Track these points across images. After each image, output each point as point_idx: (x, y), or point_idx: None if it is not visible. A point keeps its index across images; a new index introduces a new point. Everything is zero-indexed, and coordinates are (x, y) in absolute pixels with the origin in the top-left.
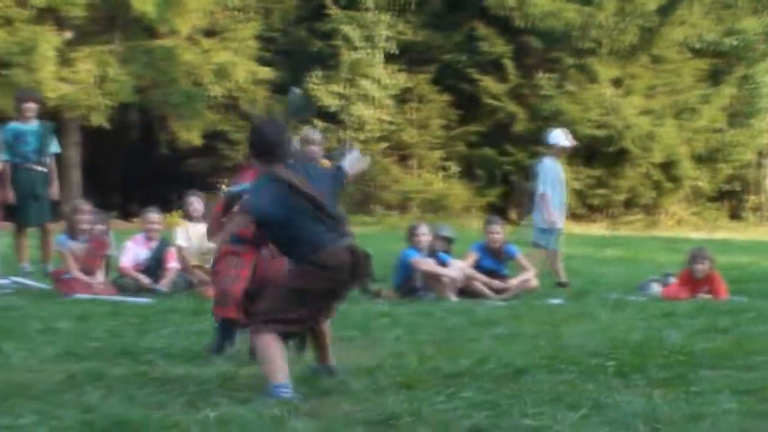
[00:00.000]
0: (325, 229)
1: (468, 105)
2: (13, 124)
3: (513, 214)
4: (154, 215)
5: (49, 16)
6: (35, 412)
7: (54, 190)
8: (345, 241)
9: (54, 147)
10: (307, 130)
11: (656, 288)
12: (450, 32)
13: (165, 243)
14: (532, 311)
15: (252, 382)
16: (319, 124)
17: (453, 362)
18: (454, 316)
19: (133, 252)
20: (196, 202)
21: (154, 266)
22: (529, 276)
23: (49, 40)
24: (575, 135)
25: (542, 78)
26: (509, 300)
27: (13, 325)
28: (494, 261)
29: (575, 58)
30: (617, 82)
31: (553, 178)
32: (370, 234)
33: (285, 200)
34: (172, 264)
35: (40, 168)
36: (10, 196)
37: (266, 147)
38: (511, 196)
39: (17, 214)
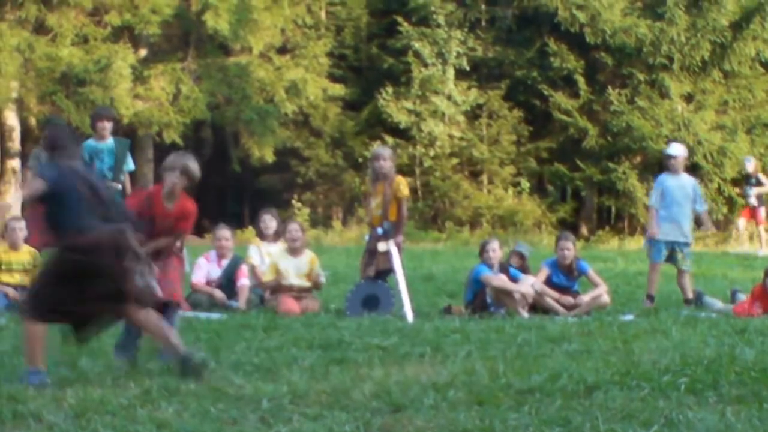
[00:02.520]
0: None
1: (539, 121)
2: (90, 142)
3: (584, 230)
4: (224, 232)
5: (124, 34)
6: (111, 427)
7: None
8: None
9: (129, 164)
10: (377, 147)
11: (719, 303)
12: (521, 48)
13: (236, 260)
14: (604, 327)
15: (324, 398)
16: (390, 140)
17: (524, 378)
18: (526, 332)
19: (205, 269)
20: (269, 221)
21: (226, 284)
22: (601, 292)
23: (125, 58)
24: (646, 151)
25: (614, 94)
26: (580, 316)
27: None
28: (566, 277)
29: (647, 74)
30: (689, 98)
31: None
32: (440, 250)
33: (67, 180)
34: (243, 281)
35: (115, 185)
36: None
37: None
38: (582, 211)
39: None
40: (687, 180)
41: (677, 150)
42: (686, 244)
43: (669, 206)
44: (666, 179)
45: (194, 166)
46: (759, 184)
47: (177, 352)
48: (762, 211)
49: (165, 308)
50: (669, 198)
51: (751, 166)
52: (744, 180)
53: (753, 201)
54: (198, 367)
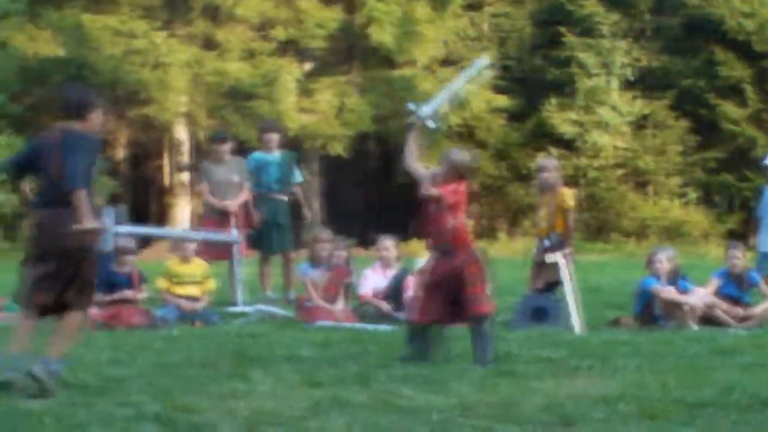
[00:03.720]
0: (45, 191)
1: (706, 130)
2: (257, 154)
3: (754, 241)
4: (387, 241)
5: (290, 48)
6: None
7: (306, 215)
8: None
9: (297, 176)
10: (542, 159)
11: None
12: (688, 57)
13: (404, 271)
14: None
15: (493, 411)
16: (554, 151)
17: (696, 392)
18: (696, 344)
19: (371, 280)
20: None
21: (394, 294)
22: None
23: (291, 72)
24: None
25: None
26: (752, 328)
27: (259, 353)
28: (736, 288)
29: None
30: None
31: None
32: (606, 261)
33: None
34: (412, 292)
35: (282, 197)
36: (256, 220)
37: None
38: (751, 222)
39: (261, 243)
40: None
41: None
42: None
43: (764, 216)
44: (765, 189)
45: (458, 155)
46: None
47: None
48: None
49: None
50: (764, 208)
51: None
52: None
53: None
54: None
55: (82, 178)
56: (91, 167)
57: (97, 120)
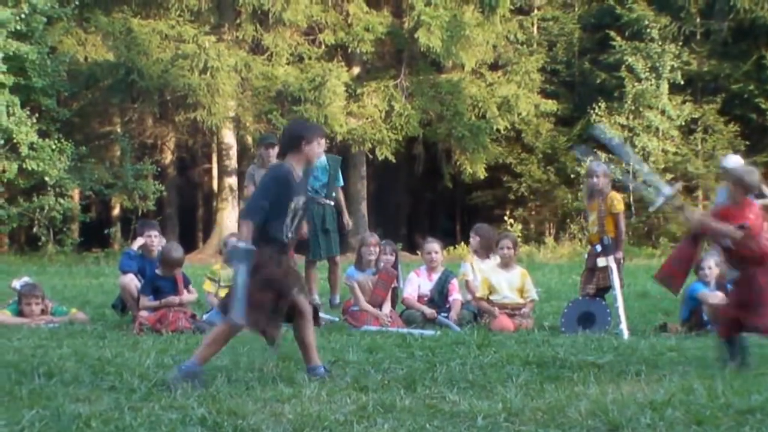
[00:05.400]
0: None
1: (757, 135)
2: None
3: None
4: (433, 245)
5: (338, 52)
6: None
7: (346, 220)
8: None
9: (340, 180)
10: (591, 163)
11: None
12: (737, 61)
13: (447, 274)
14: None
15: (539, 416)
16: (603, 155)
17: (744, 398)
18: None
19: (416, 283)
20: (475, 238)
21: (438, 298)
22: None
23: (338, 76)
24: None
25: None
26: None
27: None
28: None
29: None
30: None
31: None
32: (655, 266)
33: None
34: (455, 296)
35: (328, 202)
36: (305, 230)
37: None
38: None
39: (307, 247)
40: None
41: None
42: None
43: None
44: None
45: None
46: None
47: None
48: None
49: None
50: None
51: None
52: None
53: None
54: None
55: (248, 210)
56: (263, 200)
57: (311, 152)
